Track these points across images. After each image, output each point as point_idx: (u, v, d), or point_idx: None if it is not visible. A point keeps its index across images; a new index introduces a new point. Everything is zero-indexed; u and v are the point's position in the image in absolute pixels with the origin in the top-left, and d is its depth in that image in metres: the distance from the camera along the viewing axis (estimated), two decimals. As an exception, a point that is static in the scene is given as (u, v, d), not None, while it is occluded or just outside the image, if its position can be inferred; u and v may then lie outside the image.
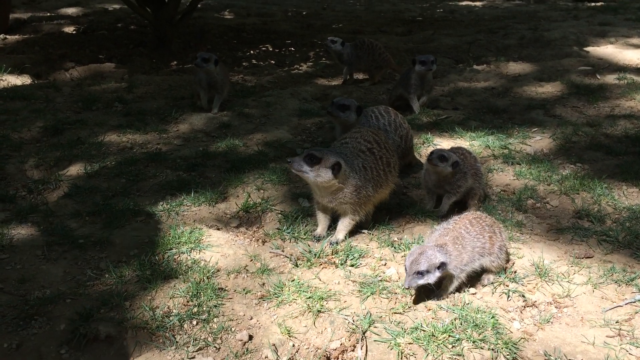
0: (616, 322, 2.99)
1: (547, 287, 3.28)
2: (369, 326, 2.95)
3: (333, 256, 3.58)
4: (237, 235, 3.90)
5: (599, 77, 7.53)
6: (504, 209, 4.21)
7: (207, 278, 3.34)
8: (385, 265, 3.52)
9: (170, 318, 3.01)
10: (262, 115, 6.33)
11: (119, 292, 3.21)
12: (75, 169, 4.84)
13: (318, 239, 3.80)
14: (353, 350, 2.83)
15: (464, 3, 16.93)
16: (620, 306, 3.12)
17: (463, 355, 2.76)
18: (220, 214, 4.19)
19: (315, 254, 3.59)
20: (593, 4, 15.17)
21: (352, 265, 3.50)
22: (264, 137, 5.64)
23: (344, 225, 3.75)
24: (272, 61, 9.34)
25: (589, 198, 4.32)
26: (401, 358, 2.77)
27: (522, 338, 2.88)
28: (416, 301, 3.16)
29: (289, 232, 3.88)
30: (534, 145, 5.37)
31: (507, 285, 3.30)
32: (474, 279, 3.32)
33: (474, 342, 2.82)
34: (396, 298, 3.18)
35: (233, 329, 2.98)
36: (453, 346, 2.80)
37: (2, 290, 3.22)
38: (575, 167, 4.89)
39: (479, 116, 6.26)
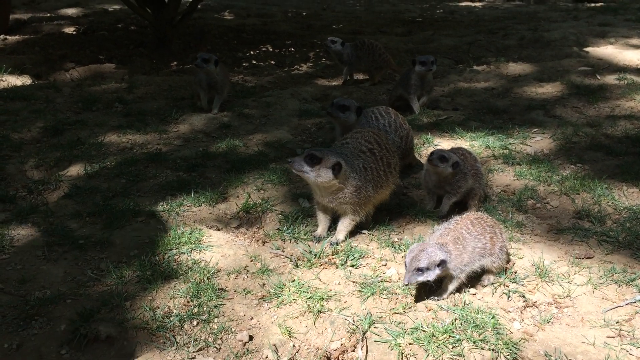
0: (616, 323, 2.99)
1: (547, 288, 3.28)
2: (370, 326, 2.95)
3: (333, 256, 3.58)
4: (238, 235, 3.90)
5: (599, 78, 7.54)
6: (504, 209, 4.21)
7: (208, 278, 3.34)
8: (385, 265, 3.52)
9: (171, 318, 3.01)
10: (262, 116, 6.34)
11: (120, 292, 3.21)
12: (75, 170, 4.84)
13: (318, 239, 3.80)
14: (353, 351, 2.83)
15: (463, 4, 16.94)
16: (620, 306, 3.12)
17: (463, 356, 2.76)
18: (220, 215, 4.19)
19: (315, 255, 3.59)
20: (593, 4, 15.18)
21: (352, 266, 3.50)
22: (264, 137, 5.64)
23: (344, 225, 3.75)
24: (272, 62, 9.35)
25: (589, 198, 4.32)
26: (401, 358, 2.76)
27: (522, 338, 2.88)
28: (416, 301, 3.16)
29: (289, 233, 3.88)
30: (534, 145, 5.37)
31: (508, 286, 3.30)
32: (474, 279, 3.32)
33: (474, 342, 2.82)
34: (396, 298, 3.18)
35: (233, 330, 2.98)
36: (453, 346, 2.80)
37: (2, 290, 3.22)
38: (576, 168, 4.89)
39: (479, 117, 6.26)
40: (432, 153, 4.02)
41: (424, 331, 2.89)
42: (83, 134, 5.62)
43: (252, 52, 9.91)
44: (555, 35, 10.27)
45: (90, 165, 4.89)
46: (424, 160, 4.97)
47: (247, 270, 3.47)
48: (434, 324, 2.94)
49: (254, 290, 3.29)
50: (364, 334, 2.90)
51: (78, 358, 2.79)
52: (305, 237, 3.84)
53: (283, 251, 3.69)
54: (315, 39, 10.76)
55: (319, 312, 3.05)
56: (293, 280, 3.34)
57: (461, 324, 2.94)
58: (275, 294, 3.22)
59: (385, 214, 4.04)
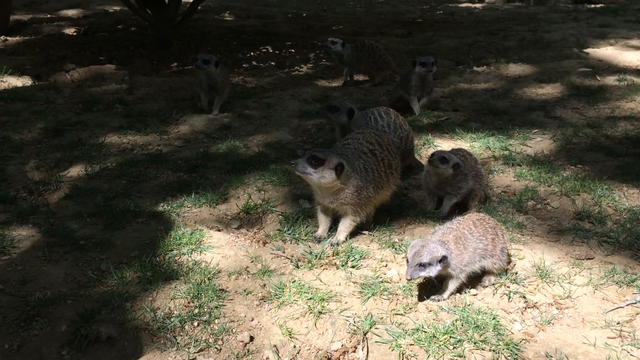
0: (617, 323, 2.99)
1: (548, 288, 3.28)
2: (370, 327, 2.94)
3: (334, 257, 3.58)
4: (238, 236, 3.90)
5: (599, 79, 7.54)
6: (505, 210, 4.21)
7: (208, 279, 3.34)
8: (386, 266, 3.52)
9: (172, 319, 3.00)
10: (262, 117, 6.34)
11: (120, 293, 3.21)
12: (75, 170, 4.84)
13: (319, 240, 3.80)
14: (354, 352, 2.83)
15: (463, 5, 16.96)
16: (621, 307, 3.11)
17: (464, 357, 2.76)
18: (221, 215, 4.19)
19: (316, 255, 3.59)
20: (593, 5, 15.20)
21: (353, 267, 3.50)
22: (265, 138, 5.64)
23: (345, 226, 3.75)
24: (272, 63, 9.35)
25: (590, 199, 4.32)
26: (402, 359, 2.76)
27: (523, 339, 2.88)
28: (418, 301, 3.16)
29: (289, 234, 3.88)
30: (535, 146, 5.38)
31: (508, 287, 3.30)
32: (475, 280, 3.32)
33: (475, 343, 2.82)
34: (397, 299, 3.18)
35: (234, 330, 2.98)
36: (454, 347, 2.80)
37: (3, 291, 3.22)
38: (576, 169, 4.89)
39: (480, 117, 6.27)
40: (432, 154, 4.02)
41: (424, 332, 2.89)
42: (83, 135, 5.63)
43: (252, 53, 9.91)
44: (555, 36, 10.28)
45: (91, 166, 4.89)
46: (424, 161, 4.97)
47: (248, 271, 3.47)
48: (434, 324, 2.94)
49: (255, 291, 3.29)
50: (365, 334, 2.90)
51: (79, 359, 2.78)
52: (305, 238, 3.85)
53: (284, 252, 3.69)
54: (316, 40, 10.77)
55: (320, 312, 3.05)
56: (294, 281, 3.34)
57: (462, 325, 2.94)
58: (276, 294, 3.22)
59: (386, 215, 4.05)
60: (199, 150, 5.31)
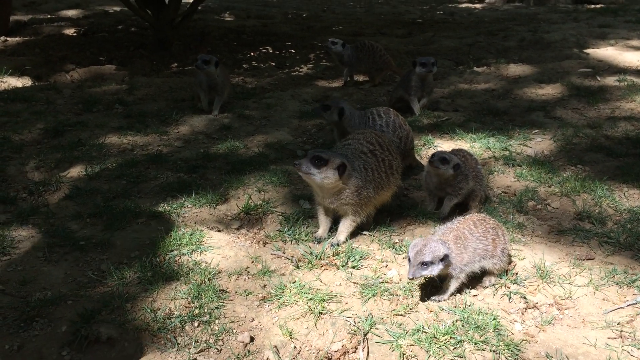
0: (618, 324, 2.99)
1: (548, 289, 3.28)
2: (371, 328, 2.94)
3: (334, 258, 3.58)
4: (238, 236, 3.90)
5: (599, 79, 7.54)
6: (505, 210, 4.21)
7: (209, 280, 3.34)
8: (386, 267, 3.52)
9: (172, 320, 3.00)
10: (262, 117, 6.34)
11: (120, 293, 3.21)
12: (76, 171, 4.84)
13: (319, 240, 3.80)
14: (354, 352, 2.82)
15: (463, 5, 16.97)
16: (621, 308, 3.11)
17: (465, 357, 2.75)
18: (221, 216, 4.19)
19: (316, 256, 3.58)
20: (593, 6, 15.21)
21: (353, 267, 3.50)
22: (265, 138, 5.64)
23: (345, 226, 3.75)
24: (272, 63, 9.35)
25: (590, 200, 4.32)
26: (403, 360, 2.77)
27: (523, 340, 2.88)
28: (417, 302, 3.16)
29: (290, 234, 3.88)
30: (535, 147, 5.38)
31: (509, 287, 3.30)
32: (475, 280, 3.32)
33: (475, 343, 2.82)
34: (397, 300, 3.18)
35: (234, 331, 2.97)
36: (455, 348, 2.80)
37: (3, 291, 3.22)
38: (576, 169, 4.89)
39: (480, 118, 6.27)
40: (433, 155, 4.02)
41: (425, 332, 2.89)
42: (83, 136, 5.63)
43: (252, 54, 9.91)
44: (555, 36, 10.28)
45: (91, 167, 4.89)
46: (424, 161, 4.97)
47: (248, 272, 3.47)
48: (435, 325, 2.94)
49: (255, 291, 3.28)
50: (365, 335, 2.90)
51: (79, 359, 2.78)
52: (306, 239, 3.84)
53: (284, 252, 3.69)
54: (316, 41, 10.77)
55: (320, 313, 3.05)
56: (294, 282, 3.33)
57: (462, 325, 2.94)
58: (276, 295, 3.22)
59: (386, 215, 4.05)
60: (199, 151, 5.31)
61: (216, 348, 2.86)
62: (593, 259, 3.60)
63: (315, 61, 9.49)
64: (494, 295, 3.26)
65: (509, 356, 2.76)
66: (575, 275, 3.40)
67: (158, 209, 4.19)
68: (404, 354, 2.77)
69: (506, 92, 7.27)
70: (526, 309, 3.14)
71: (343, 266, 3.49)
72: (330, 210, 3.78)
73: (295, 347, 2.87)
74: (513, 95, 7.14)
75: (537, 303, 3.17)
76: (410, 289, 3.26)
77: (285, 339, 2.91)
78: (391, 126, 4.78)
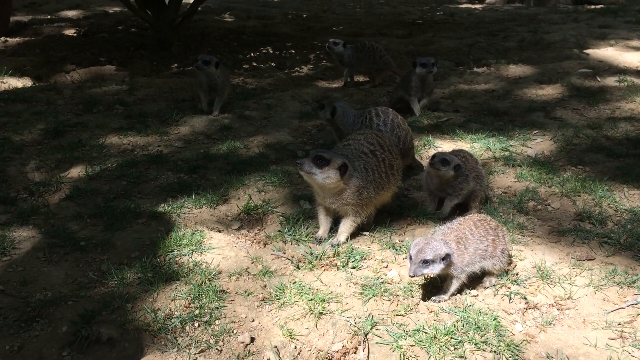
0: (618, 324, 2.99)
1: (549, 289, 3.28)
2: (371, 328, 2.94)
3: (334, 258, 3.58)
4: (239, 237, 3.90)
5: (599, 80, 7.54)
6: (505, 211, 4.21)
7: (209, 280, 3.34)
8: (386, 267, 3.52)
9: (172, 320, 3.00)
10: (262, 118, 6.34)
11: (121, 294, 3.21)
12: (76, 171, 4.84)
13: (319, 241, 3.80)
14: (355, 353, 2.82)
15: (464, 6, 16.98)
16: (622, 308, 3.11)
17: (465, 358, 2.75)
18: (221, 216, 4.19)
19: (316, 256, 3.58)
20: (593, 6, 15.22)
21: (353, 268, 3.50)
22: (265, 139, 5.65)
23: (346, 227, 3.75)
24: (272, 64, 9.36)
25: (590, 200, 4.32)
26: (403, 360, 2.76)
27: (524, 340, 2.88)
28: (418, 303, 3.15)
29: (290, 234, 3.88)
30: (535, 147, 5.38)
31: (509, 287, 3.30)
32: (475, 281, 3.32)
33: (476, 344, 2.82)
34: (398, 300, 3.18)
35: (235, 331, 2.97)
36: (455, 348, 2.80)
37: (3, 292, 3.22)
38: (576, 169, 4.89)
39: (480, 118, 6.27)
40: (433, 156, 4.02)
41: (425, 333, 2.89)
42: (84, 136, 5.63)
43: (252, 54, 9.92)
44: (555, 37, 10.28)
45: (91, 167, 4.89)
46: (425, 162, 4.98)
47: (249, 272, 3.47)
48: (435, 325, 2.94)
49: (256, 291, 3.28)
50: (366, 335, 2.90)
51: (79, 360, 2.79)
52: (306, 239, 3.84)
53: (284, 253, 3.69)
54: (316, 41, 10.78)
55: (321, 313, 3.05)
56: (294, 282, 3.33)
57: (463, 326, 2.94)
58: (277, 295, 3.22)
59: (387, 216, 4.05)
60: (199, 151, 5.31)
61: (217, 348, 2.86)
62: (593, 259, 3.60)
63: (315, 62, 9.49)
64: (495, 295, 3.26)
65: (510, 357, 2.76)
66: (576, 275, 3.40)
67: (158, 209, 4.19)
68: (404, 355, 2.77)
69: (506, 92, 7.27)
70: (527, 309, 3.13)
71: (343, 267, 3.49)
72: (330, 211, 3.79)
73: (295, 347, 2.87)
74: (513, 95, 7.14)
75: (537, 303, 3.17)
76: (410, 290, 3.26)
77: (285, 340, 2.91)
78: (389, 125, 4.77)
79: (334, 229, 3.86)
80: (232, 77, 8.03)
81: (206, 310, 3.08)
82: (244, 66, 9.16)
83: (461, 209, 4.16)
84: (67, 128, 5.81)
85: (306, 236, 3.87)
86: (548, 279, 3.34)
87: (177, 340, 2.89)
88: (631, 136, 5.58)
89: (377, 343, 2.86)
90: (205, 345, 2.87)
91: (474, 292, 3.28)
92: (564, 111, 6.44)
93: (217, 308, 3.11)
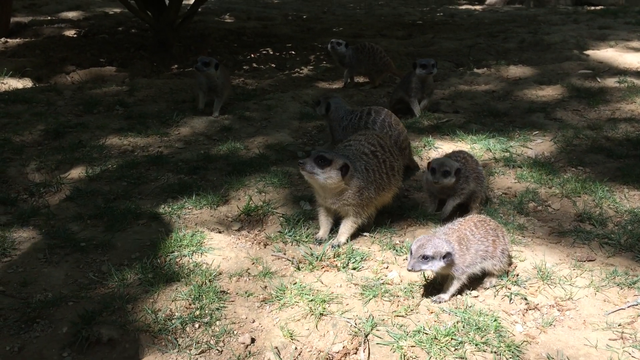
0: (619, 325, 2.99)
1: (549, 290, 3.28)
2: (372, 329, 2.94)
3: (335, 259, 3.58)
4: (239, 238, 3.90)
5: (599, 81, 7.55)
6: (506, 212, 4.21)
7: (209, 281, 3.34)
8: (387, 268, 3.52)
9: (173, 321, 3.00)
10: (263, 119, 6.35)
11: (121, 295, 3.21)
12: (76, 172, 4.84)
13: (320, 241, 3.80)
14: (355, 353, 2.82)
15: (463, 7, 17.00)
16: (622, 309, 3.11)
17: (466, 358, 2.75)
18: (221, 217, 4.19)
19: (317, 257, 3.58)
20: (593, 7, 15.23)
21: (354, 269, 3.50)
22: (265, 140, 5.65)
23: (346, 228, 3.75)
24: (272, 65, 9.36)
25: (591, 201, 4.32)
26: (404, 361, 2.76)
27: (524, 341, 2.88)
28: (419, 303, 3.15)
29: (290, 235, 3.88)
30: (535, 148, 5.38)
31: (510, 288, 3.30)
32: (476, 281, 3.32)
33: (476, 345, 2.82)
34: (398, 301, 3.18)
35: (235, 332, 2.97)
36: (456, 349, 2.80)
37: (4, 293, 3.22)
38: (577, 170, 4.89)
39: (480, 119, 6.27)
40: (432, 168, 3.95)
41: (426, 334, 2.89)
42: (84, 137, 5.63)
43: (252, 55, 9.92)
44: (555, 38, 10.29)
45: (92, 168, 4.89)
46: (425, 162, 4.98)
47: (249, 273, 3.47)
48: (436, 326, 2.94)
49: (256, 292, 3.28)
50: (366, 336, 2.90)
51: (80, 361, 2.79)
52: (306, 240, 3.84)
53: (285, 254, 3.69)
54: (316, 42, 10.78)
55: (321, 314, 3.05)
56: (295, 283, 3.33)
57: (463, 327, 2.94)
58: (277, 296, 3.22)
59: (387, 217, 4.05)
60: (199, 152, 5.31)
61: (217, 349, 2.86)
62: (594, 260, 3.60)
63: (315, 63, 9.50)
64: (495, 296, 3.26)
65: (510, 357, 2.76)
66: (576, 276, 3.40)
67: (159, 210, 4.19)
68: (404, 355, 2.77)
69: (506, 93, 7.27)
70: (527, 310, 3.13)
71: (344, 267, 3.49)
72: (331, 212, 3.79)
73: (296, 348, 2.87)
74: (513, 96, 7.14)
75: (538, 304, 3.17)
76: (411, 291, 3.26)
77: (286, 340, 2.91)
78: (378, 124, 4.73)
79: (334, 230, 3.86)
80: (232, 78, 8.03)
81: (207, 311, 3.08)
82: (244, 67, 9.17)
83: (461, 210, 4.16)
84: (67, 129, 5.81)
85: (307, 237, 3.87)
86: (548, 280, 3.34)
87: (177, 341, 2.89)
88: (631, 137, 5.58)
89: (377, 344, 2.86)
90: (206, 346, 2.87)
91: (474, 293, 3.28)
92: (564, 112, 6.45)
93: (217, 309, 3.11)
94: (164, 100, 7.03)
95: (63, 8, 13.87)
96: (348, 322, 3.00)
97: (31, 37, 10.54)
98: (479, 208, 4.18)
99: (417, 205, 4.32)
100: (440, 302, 3.16)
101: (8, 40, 10.13)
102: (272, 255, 3.67)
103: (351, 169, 3.57)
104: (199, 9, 10.81)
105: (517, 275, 3.41)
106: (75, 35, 10.94)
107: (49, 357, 2.78)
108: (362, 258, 3.58)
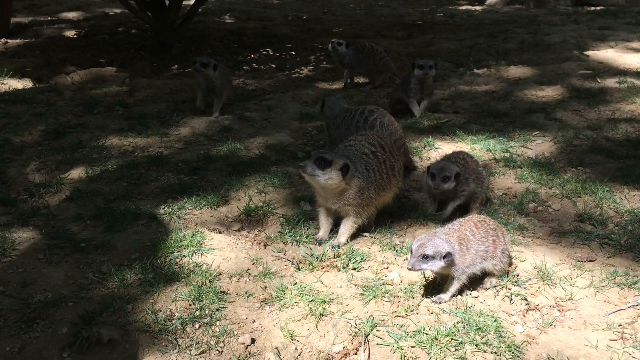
0: (619, 326, 2.99)
1: (549, 291, 3.28)
2: (372, 329, 2.94)
3: (335, 259, 3.58)
4: (239, 238, 3.90)
5: (599, 81, 7.55)
6: (506, 212, 4.21)
7: (209, 281, 3.34)
8: (387, 268, 3.52)
9: (173, 321, 3.00)
10: (263, 119, 6.35)
11: (121, 295, 3.21)
12: (76, 173, 4.84)
13: (320, 242, 3.80)
14: (356, 354, 2.82)
15: (463, 7, 17.00)
16: (623, 309, 3.11)
17: (466, 359, 2.75)
18: (222, 218, 4.19)
19: (317, 257, 3.58)
20: (593, 8, 15.23)
21: (354, 269, 3.49)
22: (265, 140, 5.65)
23: (347, 228, 3.75)
24: (272, 65, 9.36)
25: (591, 201, 4.32)
26: (404, 361, 2.76)
27: (524, 341, 2.88)
28: (419, 303, 3.15)
29: (290, 236, 3.88)
30: (535, 148, 5.38)
31: (510, 289, 3.29)
32: (476, 282, 3.32)
33: (476, 345, 2.81)
34: (399, 301, 3.18)
35: (235, 333, 2.97)
36: (456, 349, 2.80)
37: (4, 293, 3.22)
38: (577, 171, 4.89)
39: (480, 120, 6.27)
40: (432, 174, 3.94)
41: (426, 334, 2.89)
42: (84, 137, 5.63)
43: (252, 56, 9.93)
44: (555, 38, 10.29)
45: (92, 168, 4.89)
46: (425, 163, 4.98)
47: (249, 273, 3.47)
48: (436, 326, 2.94)
49: (256, 293, 3.28)
50: (366, 337, 2.90)
51: (80, 361, 2.78)
52: (307, 240, 3.84)
53: (285, 254, 3.68)
54: (316, 43, 10.79)
55: (321, 315, 3.05)
56: (295, 283, 3.33)
57: (463, 327, 2.94)
58: (277, 296, 3.22)
59: (387, 217, 4.05)
60: (199, 153, 5.31)
61: (217, 349, 2.86)
62: (594, 260, 3.60)
63: (315, 63, 9.50)
64: (495, 296, 3.26)
65: (510, 358, 2.76)
66: (577, 276, 3.39)
67: (159, 210, 4.19)
68: (405, 356, 2.77)
69: (506, 94, 7.27)
70: (527, 310, 3.13)
71: (344, 268, 3.49)
72: (331, 212, 3.79)
73: (296, 348, 2.87)
74: (513, 97, 7.14)
75: (538, 305, 3.17)
76: (411, 291, 3.26)
77: (286, 341, 2.91)
78: (369, 123, 4.69)
79: (334, 230, 3.86)
80: (233, 79, 8.02)
81: (207, 312, 3.08)
82: (244, 67, 9.17)
83: (461, 210, 4.15)
84: (67, 129, 5.81)
85: (307, 237, 3.87)
86: (549, 280, 3.34)
87: (177, 342, 2.88)
88: (631, 137, 5.58)
89: (377, 344, 2.86)
90: (206, 346, 2.87)
91: (474, 293, 3.28)
92: (564, 112, 6.45)
93: (217, 309, 3.11)
94: (164, 100, 7.03)
95: (63, 8, 13.87)
96: (348, 322, 3.00)
97: (31, 38, 10.54)
98: (479, 208, 4.18)
99: (417, 206, 4.32)
100: (440, 303, 3.16)
101: (8, 40, 10.13)
102: (272, 255, 3.67)
103: (352, 169, 3.57)
104: (199, 10, 10.80)
105: (518, 275, 3.41)
106: (75, 36, 10.94)
107: (49, 357, 2.78)
108: (362, 258, 3.58)
